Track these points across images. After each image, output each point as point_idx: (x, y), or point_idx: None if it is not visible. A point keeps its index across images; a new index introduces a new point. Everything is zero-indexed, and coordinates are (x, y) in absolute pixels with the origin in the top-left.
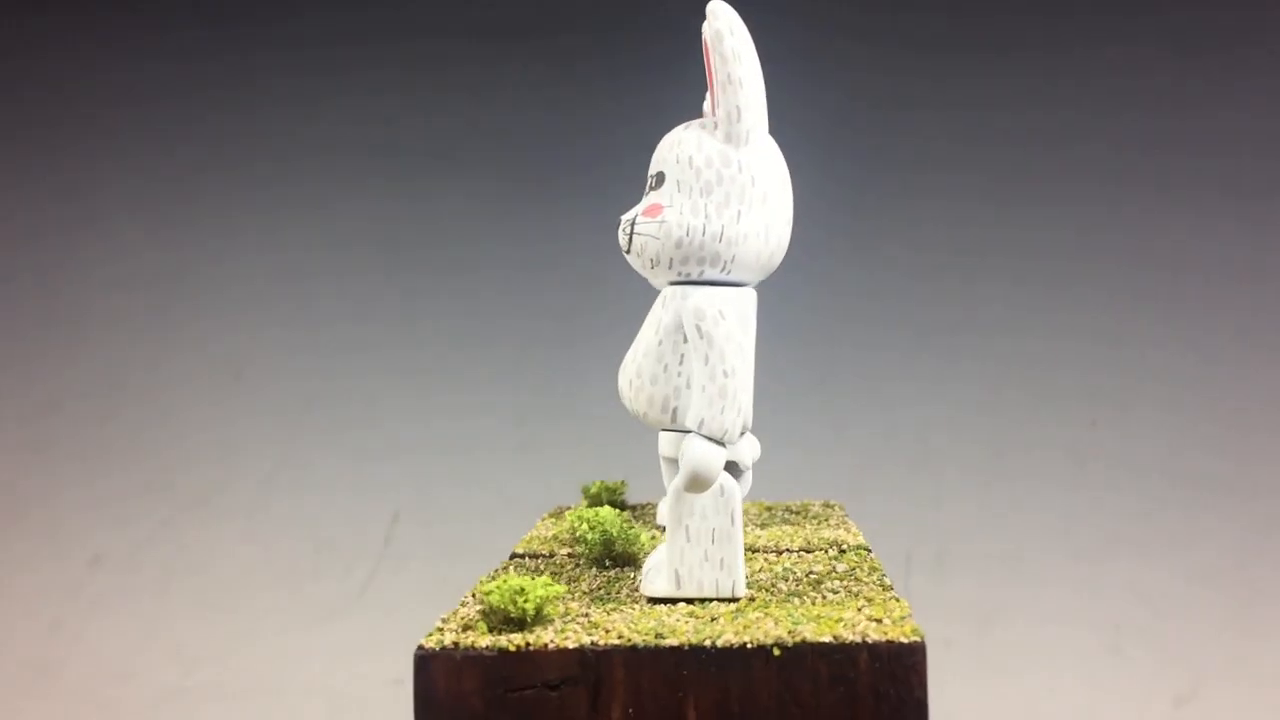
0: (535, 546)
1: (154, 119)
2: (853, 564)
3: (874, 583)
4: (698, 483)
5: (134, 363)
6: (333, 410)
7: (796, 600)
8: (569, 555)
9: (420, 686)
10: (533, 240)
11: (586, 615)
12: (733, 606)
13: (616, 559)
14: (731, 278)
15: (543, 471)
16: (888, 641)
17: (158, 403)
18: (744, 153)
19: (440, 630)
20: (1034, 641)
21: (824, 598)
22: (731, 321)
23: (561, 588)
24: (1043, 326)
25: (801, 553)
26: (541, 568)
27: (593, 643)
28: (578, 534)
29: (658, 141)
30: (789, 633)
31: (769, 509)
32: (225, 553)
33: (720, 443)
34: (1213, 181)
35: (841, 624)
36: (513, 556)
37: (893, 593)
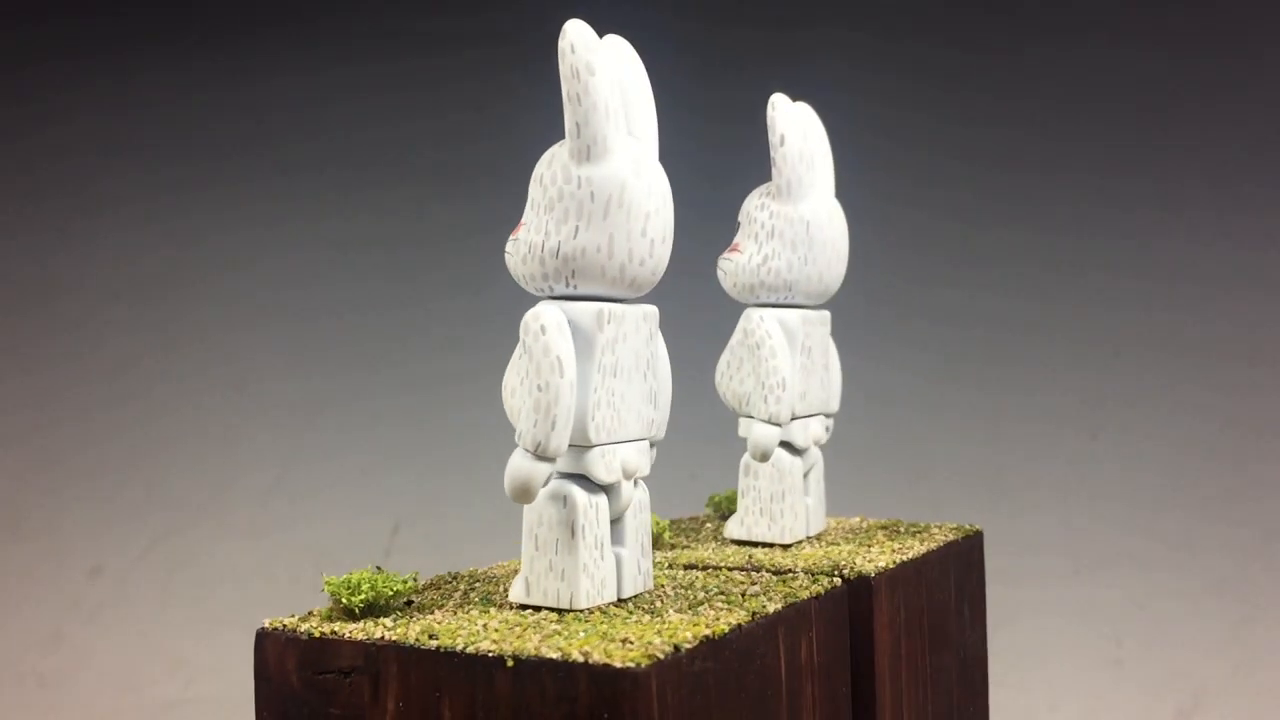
0: None
1: (156, 128)
2: (786, 589)
3: (749, 609)
4: (515, 494)
5: (135, 374)
6: (333, 422)
7: (634, 617)
8: None
9: (257, 661)
10: None
11: (430, 614)
12: (553, 616)
13: None
14: (580, 292)
15: None
16: (604, 665)
17: (159, 414)
18: (587, 168)
19: (308, 616)
20: (1035, 653)
21: (658, 617)
22: (553, 336)
23: (406, 586)
24: (1044, 338)
25: (772, 573)
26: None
27: (380, 637)
28: None
29: None
30: (534, 647)
31: (884, 528)
32: (225, 563)
33: (543, 457)
34: (1214, 192)
35: (596, 642)
36: None
37: (752, 615)
